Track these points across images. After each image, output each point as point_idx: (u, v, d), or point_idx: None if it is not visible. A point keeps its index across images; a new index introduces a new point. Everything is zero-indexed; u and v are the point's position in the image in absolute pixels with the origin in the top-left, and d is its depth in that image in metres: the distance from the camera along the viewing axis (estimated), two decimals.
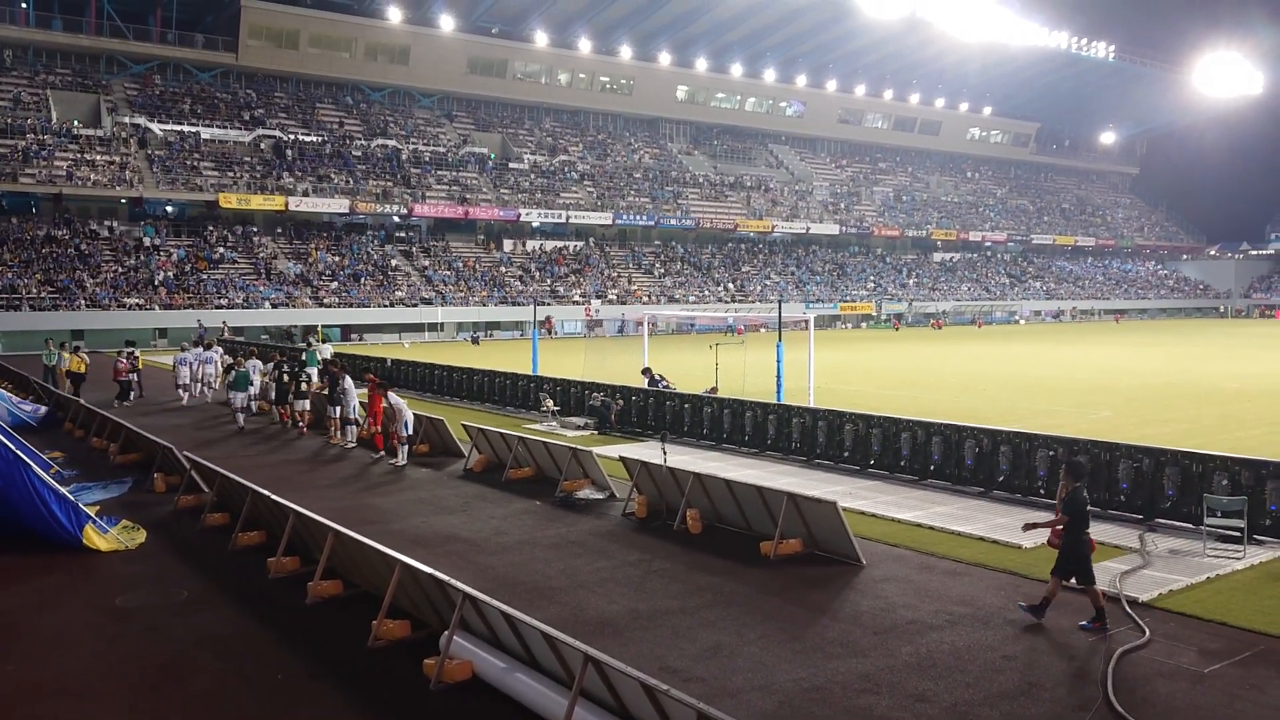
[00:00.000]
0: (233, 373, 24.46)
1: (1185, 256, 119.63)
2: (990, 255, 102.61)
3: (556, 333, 63.92)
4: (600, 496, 14.86)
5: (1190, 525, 12.36)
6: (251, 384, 23.96)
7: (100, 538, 12.17)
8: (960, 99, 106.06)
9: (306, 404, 22.65)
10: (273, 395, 24.04)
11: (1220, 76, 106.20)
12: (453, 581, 8.24)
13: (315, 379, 24.40)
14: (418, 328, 61.06)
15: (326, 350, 34.80)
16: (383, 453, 18.89)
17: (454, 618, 8.09)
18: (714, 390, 23.23)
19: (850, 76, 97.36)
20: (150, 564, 11.69)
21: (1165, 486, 12.78)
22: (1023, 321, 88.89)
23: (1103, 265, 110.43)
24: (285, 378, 23.19)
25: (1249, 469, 12.10)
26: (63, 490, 12.47)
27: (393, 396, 18.59)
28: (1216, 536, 11.70)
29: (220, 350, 32.75)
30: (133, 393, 27.96)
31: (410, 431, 18.20)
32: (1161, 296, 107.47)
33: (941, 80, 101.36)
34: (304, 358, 30.90)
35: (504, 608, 7.69)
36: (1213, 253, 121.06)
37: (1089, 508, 9.37)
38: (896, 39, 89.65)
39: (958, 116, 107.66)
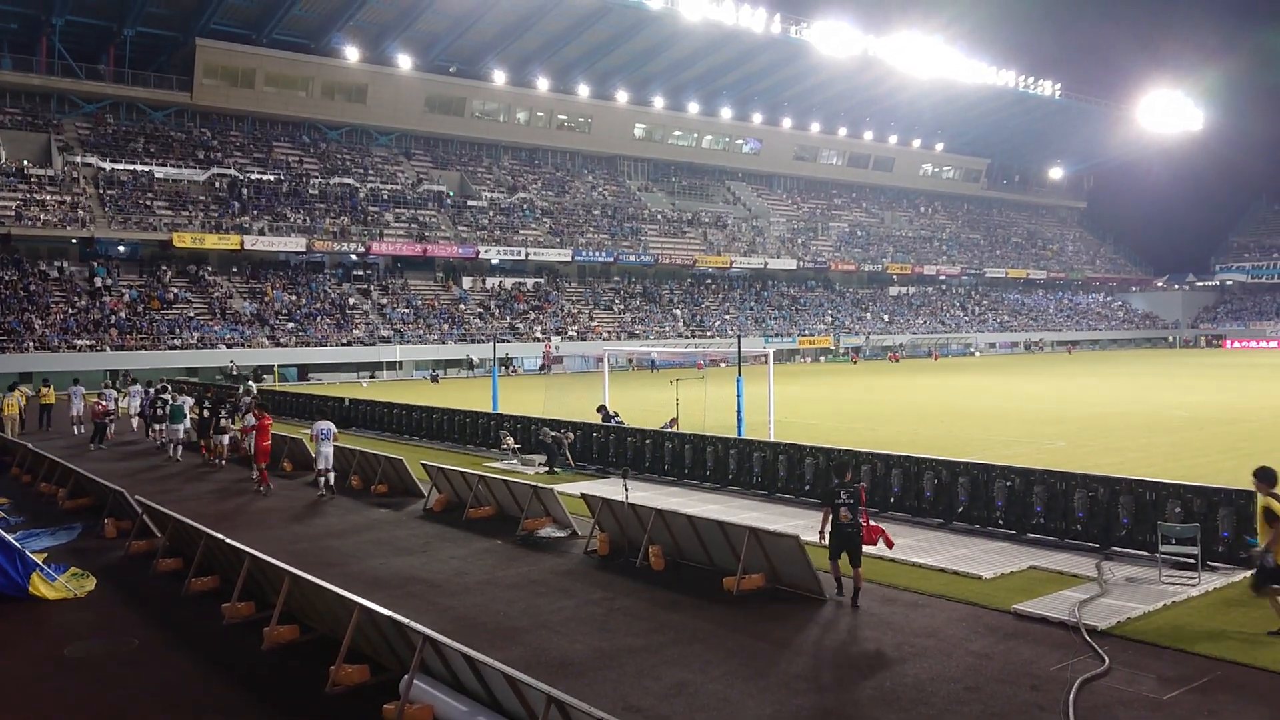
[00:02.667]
0: (165, 407, 25.93)
1: (1134, 288, 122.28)
2: (945, 289, 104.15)
3: (519, 368, 63.72)
4: (562, 534, 14.76)
5: (1146, 553, 12.51)
6: (185, 418, 25.23)
7: (47, 586, 11.84)
8: (913, 136, 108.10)
9: (226, 438, 23.64)
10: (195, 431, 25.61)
11: (1163, 113, 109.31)
12: (412, 624, 8.11)
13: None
14: (376, 366, 60.54)
15: (253, 387, 36.87)
16: (265, 487, 19.74)
17: (414, 661, 7.96)
18: (674, 421, 23.26)
19: (805, 114, 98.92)
20: (100, 612, 11.39)
21: (1120, 515, 12.95)
22: (978, 353, 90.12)
23: (1054, 297, 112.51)
24: (205, 414, 24.72)
25: (1201, 496, 12.31)
26: (8, 537, 12.14)
27: (323, 426, 19.25)
28: (1171, 563, 11.87)
29: (169, 387, 33.25)
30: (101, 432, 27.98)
31: (329, 464, 19.04)
32: (1112, 327, 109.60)
33: (894, 117, 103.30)
34: (240, 391, 32.83)
35: (465, 649, 7.58)
36: (1160, 284, 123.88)
37: (837, 501, 11.06)
38: (849, 77, 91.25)
39: (910, 153, 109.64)
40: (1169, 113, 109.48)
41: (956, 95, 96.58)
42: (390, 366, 60.99)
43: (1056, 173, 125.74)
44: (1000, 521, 14.31)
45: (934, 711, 8.00)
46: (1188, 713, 7.90)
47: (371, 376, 58.43)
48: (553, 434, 22.05)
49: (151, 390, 31.34)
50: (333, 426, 19.57)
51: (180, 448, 24.90)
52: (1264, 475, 10.30)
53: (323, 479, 19.07)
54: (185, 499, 18.67)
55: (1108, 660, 8.99)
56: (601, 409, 24.17)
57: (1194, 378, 51.04)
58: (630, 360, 63.72)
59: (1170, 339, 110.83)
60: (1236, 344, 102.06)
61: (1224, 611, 10.50)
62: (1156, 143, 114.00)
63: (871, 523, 11.19)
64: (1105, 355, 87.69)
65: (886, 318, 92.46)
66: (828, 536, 11.13)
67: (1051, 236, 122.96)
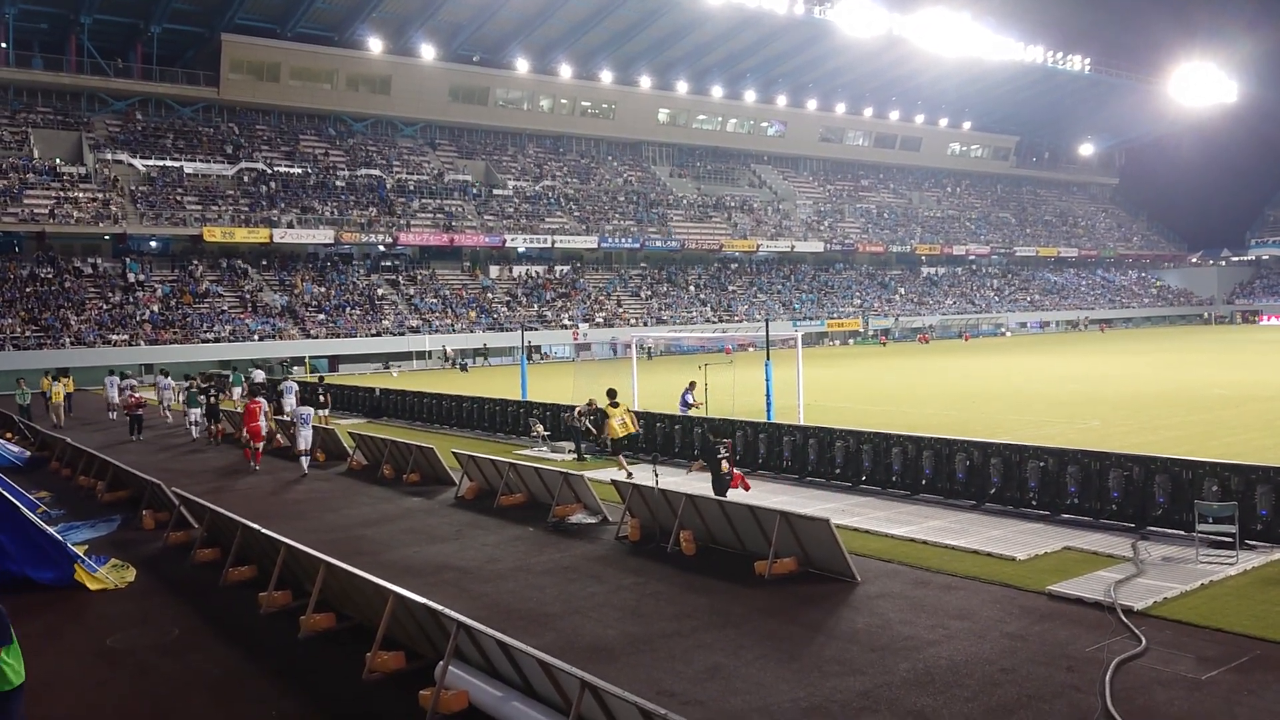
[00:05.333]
0: (186, 393, 29.91)
1: (1168, 265, 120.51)
2: (975, 269, 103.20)
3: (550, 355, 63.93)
4: (593, 521, 14.81)
5: (1182, 532, 12.38)
6: (201, 405, 28.39)
7: (89, 577, 12.04)
8: (940, 115, 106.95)
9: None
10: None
11: (1195, 86, 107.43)
12: (446, 610, 8.18)
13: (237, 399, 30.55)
14: (405, 356, 60.96)
15: (259, 375, 40.34)
16: (254, 465, 21.81)
17: (449, 647, 8.03)
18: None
19: (830, 95, 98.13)
20: (140, 603, 11.57)
21: (1156, 494, 12.81)
22: (1009, 334, 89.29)
23: (1086, 275, 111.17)
24: (213, 399, 28.08)
25: (1238, 474, 12.14)
26: (50, 530, 12.36)
27: (303, 411, 21.81)
28: (1209, 543, 11.73)
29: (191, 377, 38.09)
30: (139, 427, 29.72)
31: (308, 445, 21.26)
32: (1145, 305, 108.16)
33: (920, 97, 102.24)
34: (230, 380, 37.11)
35: (499, 636, 7.63)
36: (1194, 260, 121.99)
37: (719, 456, 14.56)
38: (874, 57, 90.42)
39: (938, 132, 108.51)
40: (1202, 86, 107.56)
41: (984, 73, 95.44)
42: (420, 356, 61.40)
43: (1087, 149, 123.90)
44: (1034, 502, 14.20)
45: (969, 694, 7.97)
46: (1227, 692, 7.81)
47: (453, 359, 59.69)
48: (579, 411, 21.78)
49: (170, 380, 35.96)
50: (312, 411, 22.16)
51: (196, 427, 28.32)
52: (610, 394, 18.57)
53: (304, 458, 21.15)
54: (220, 490, 18.91)
55: (1144, 641, 8.91)
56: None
57: (1230, 354, 50.28)
58: (645, 348, 63.84)
59: (1205, 316, 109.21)
60: (1273, 319, 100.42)
61: (1263, 590, 10.37)
62: (1189, 117, 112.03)
63: (736, 471, 14.80)
64: (1139, 333, 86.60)
65: (916, 299, 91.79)
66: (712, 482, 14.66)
67: (1083, 214, 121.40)
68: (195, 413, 28.36)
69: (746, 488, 14.68)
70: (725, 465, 14.40)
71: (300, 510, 17.01)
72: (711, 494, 14.02)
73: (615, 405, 18.48)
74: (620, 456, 18.50)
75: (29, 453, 24.56)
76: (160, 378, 36.85)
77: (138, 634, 10.36)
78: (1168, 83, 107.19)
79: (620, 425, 18.61)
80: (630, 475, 17.04)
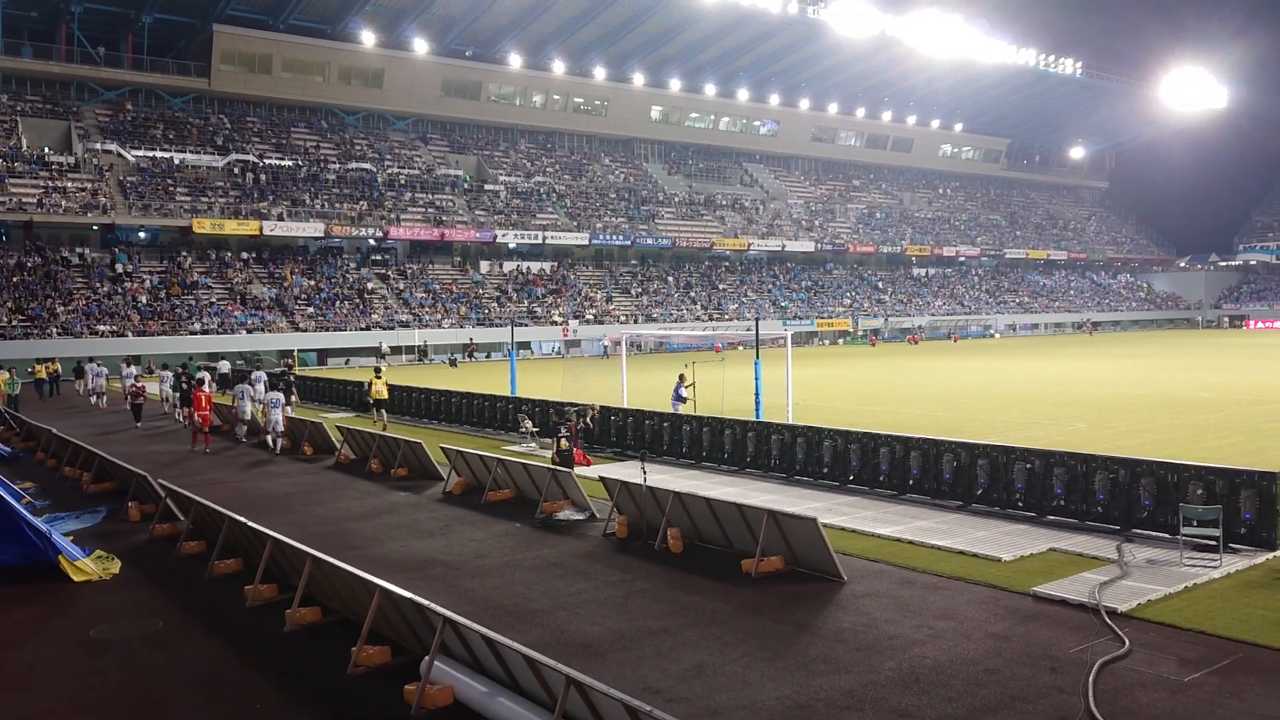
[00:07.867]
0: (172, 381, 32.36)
1: (1156, 269, 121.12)
2: (964, 270, 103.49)
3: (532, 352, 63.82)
4: (581, 517, 14.81)
5: (1167, 535, 12.44)
6: (180, 390, 30.17)
7: (74, 568, 11.99)
8: (931, 116, 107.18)
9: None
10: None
11: (1185, 91, 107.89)
12: (433, 606, 8.17)
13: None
14: (394, 350, 60.77)
15: (224, 366, 42.03)
16: (197, 446, 23.55)
17: (434, 642, 8.02)
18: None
19: (823, 95, 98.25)
20: (125, 594, 11.53)
21: (1141, 497, 12.88)
22: (998, 335, 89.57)
23: (1075, 278, 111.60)
24: (186, 386, 29.29)
25: (1223, 478, 12.21)
26: (35, 520, 12.29)
27: (271, 396, 23.52)
28: (1193, 545, 11.80)
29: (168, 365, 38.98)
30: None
31: (281, 429, 22.96)
32: (1133, 308, 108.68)
33: (913, 98, 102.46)
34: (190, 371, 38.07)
35: (485, 631, 7.63)
36: (1183, 265, 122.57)
37: (559, 435, 17.97)
38: (867, 58, 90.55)
39: (929, 133, 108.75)
40: (1192, 91, 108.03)
41: (976, 75, 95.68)
42: (409, 351, 61.22)
43: (1078, 152, 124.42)
44: (1020, 504, 14.25)
45: (953, 693, 8.00)
46: (1209, 695, 7.87)
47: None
48: (573, 412, 21.58)
49: (135, 369, 37.24)
50: (281, 397, 23.70)
51: (177, 410, 30.31)
52: (376, 370, 27.29)
53: (271, 439, 22.85)
54: (206, 482, 18.85)
55: (1128, 642, 8.96)
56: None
57: (1216, 359, 50.54)
58: (670, 343, 63.98)
59: (1199, 320, 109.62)
60: (1260, 324, 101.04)
61: (1246, 593, 10.43)
62: (1179, 121, 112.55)
63: (577, 449, 18.09)
64: (1127, 336, 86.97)
65: (905, 300, 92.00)
66: (556, 459, 17.75)
67: (1072, 217, 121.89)
68: (177, 397, 30.34)
69: (588, 463, 16.89)
70: (564, 443, 17.01)
71: (287, 503, 16.96)
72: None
73: (378, 377, 27.35)
74: (383, 413, 27.05)
75: (9, 449, 24.30)
76: (124, 365, 37.12)
77: (122, 626, 10.32)
78: (1158, 87, 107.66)
79: (377, 391, 27.00)
80: (385, 427, 24.46)
